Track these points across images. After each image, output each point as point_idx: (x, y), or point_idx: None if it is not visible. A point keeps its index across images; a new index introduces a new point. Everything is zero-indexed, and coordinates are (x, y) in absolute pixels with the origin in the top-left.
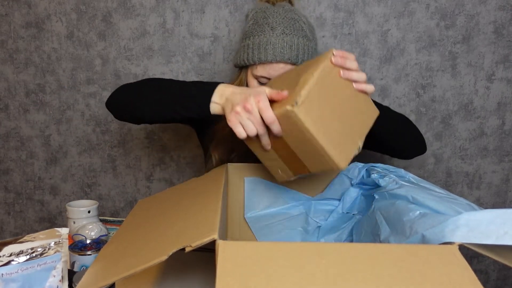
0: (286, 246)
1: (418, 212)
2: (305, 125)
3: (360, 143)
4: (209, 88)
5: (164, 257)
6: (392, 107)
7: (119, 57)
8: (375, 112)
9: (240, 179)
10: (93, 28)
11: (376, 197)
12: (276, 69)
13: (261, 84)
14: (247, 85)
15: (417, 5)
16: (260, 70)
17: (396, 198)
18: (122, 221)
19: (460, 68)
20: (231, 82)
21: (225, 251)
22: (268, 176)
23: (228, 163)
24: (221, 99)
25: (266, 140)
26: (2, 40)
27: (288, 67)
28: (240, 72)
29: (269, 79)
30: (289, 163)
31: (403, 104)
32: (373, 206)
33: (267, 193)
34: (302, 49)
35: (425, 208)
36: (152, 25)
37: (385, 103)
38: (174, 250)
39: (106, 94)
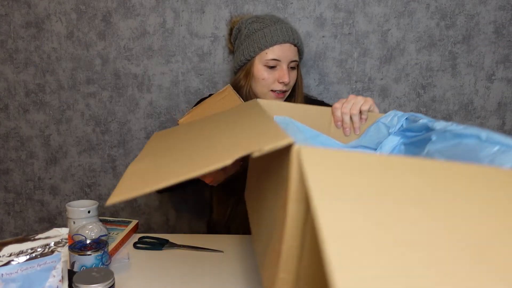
0: (376, 158)
1: (496, 147)
2: None
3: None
4: None
5: (229, 161)
6: (392, 107)
7: (119, 57)
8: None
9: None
10: (93, 28)
11: (434, 138)
12: (285, 51)
13: (271, 68)
14: (252, 76)
15: (417, 5)
16: (271, 53)
17: (462, 137)
18: (122, 221)
19: (460, 68)
20: (231, 83)
21: (310, 158)
22: (298, 117)
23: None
24: None
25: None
26: (2, 40)
27: (292, 48)
28: (240, 72)
29: (279, 61)
30: None
31: (403, 104)
32: (426, 150)
33: (297, 135)
34: (298, 35)
35: (503, 146)
36: (152, 25)
37: (385, 103)
38: (242, 155)
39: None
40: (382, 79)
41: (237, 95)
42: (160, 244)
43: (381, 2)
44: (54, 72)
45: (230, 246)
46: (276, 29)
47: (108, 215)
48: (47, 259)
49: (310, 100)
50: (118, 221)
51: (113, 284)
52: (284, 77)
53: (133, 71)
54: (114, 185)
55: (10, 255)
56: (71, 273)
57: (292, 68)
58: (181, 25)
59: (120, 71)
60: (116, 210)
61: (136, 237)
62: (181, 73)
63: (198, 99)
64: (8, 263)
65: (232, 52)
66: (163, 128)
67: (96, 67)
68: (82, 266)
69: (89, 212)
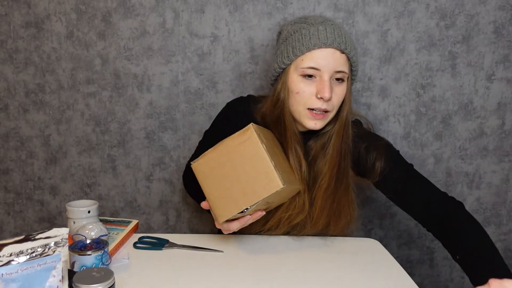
0: None
1: None
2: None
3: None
4: None
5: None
6: (392, 107)
7: (119, 57)
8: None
9: None
10: (93, 28)
11: None
12: (325, 56)
13: (308, 77)
14: (288, 91)
15: (417, 5)
16: (308, 61)
17: None
18: (122, 221)
19: (460, 68)
20: (268, 100)
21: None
22: None
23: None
24: None
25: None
26: (2, 40)
27: (337, 54)
28: (276, 83)
29: (318, 70)
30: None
31: (403, 104)
32: None
33: None
34: (350, 40)
35: None
36: (151, 25)
37: (385, 103)
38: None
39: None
40: (382, 79)
41: (260, 140)
42: (160, 244)
43: (381, 2)
44: (54, 72)
45: (230, 246)
46: (317, 30)
47: (108, 215)
48: (47, 259)
49: (362, 136)
50: (118, 221)
51: (113, 284)
52: (324, 90)
53: (133, 71)
54: (114, 185)
55: (10, 255)
56: (71, 273)
57: (338, 80)
58: (181, 25)
59: (120, 71)
60: (116, 210)
61: (136, 237)
62: (181, 73)
63: (198, 97)
64: (8, 263)
65: None
66: (163, 128)
67: (96, 67)
68: (82, 266)
69: (89, 212)
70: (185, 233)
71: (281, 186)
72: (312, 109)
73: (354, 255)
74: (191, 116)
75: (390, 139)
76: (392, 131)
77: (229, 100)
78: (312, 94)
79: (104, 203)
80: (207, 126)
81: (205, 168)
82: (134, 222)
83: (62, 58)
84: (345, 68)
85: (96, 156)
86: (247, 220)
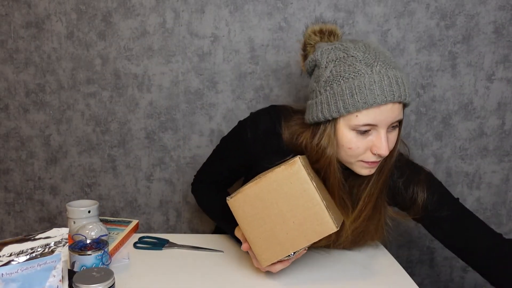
0: None
1: None
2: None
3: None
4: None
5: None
6: None
7: (119, 57)
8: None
9: None
10: (93, 28)
11: None
12: (384, 112)
13: (362, 134)
14: (336, 143)
15: (417, 5)
16: (364, 118)
17: None
18: (122, 221)
19: (460, 68)
20: (302, 129)
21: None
22: None
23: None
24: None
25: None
26: (2, 40)
27: (396, 107)
28: (318, 129)
29: (374, 125)
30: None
31: None
32: None
33: None
34: (407, 83)
35: None
36: (152, 25)
37: None
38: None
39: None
40: None
41: (309, 176)
42: (160, 244)
43: (381, 2)
44: (54, 72)
45: (230, 246)
46: (373, 81)
47: (108, 215)
48: (47, 259)
49: (401, 167)
50: (118, 221)
51: (113, 284)
52: (381, 147)
53: (133, 71)
54: (114, 185)
55: (10, 255)
56: (71, 273)
57: (393, 127)
58: (181, 25)
59: (120, 71)
60: (116, 210)
61: (136, 237)
62: (181, 73)
63: (198, 97)
64: (8, 263)
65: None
66: (163, 128)
67: (96, 67)
68: (82, 266)
69: (89, 212)
70: (185, 233)
71: (335, 229)
72: (366, 161)
73: (354, 255)
74: (191, 116)
75: None
76: None
77: (229, 100)
78: (367, 149)
79: (104, 203)
80: (207, 126)
81: (244, 204)
82: (134, 222)
83: (63, 58)
84: (401, 116)
85: (96, 156)
86: (291, 261)
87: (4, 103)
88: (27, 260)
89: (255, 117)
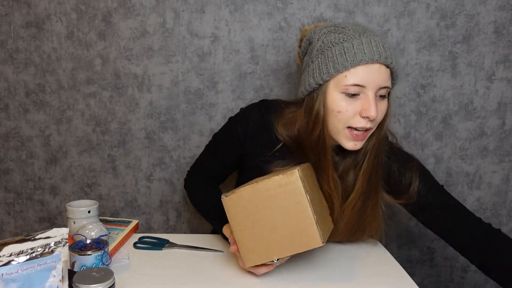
0: None
1: None
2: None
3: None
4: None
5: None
6: (392, 107)
7: (119, 57)
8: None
9: None
10: (93, 28)
11: None
12: (372, 73)
13: (351, 97)
14: (327, 109)
15: (417, 5)
16: (352, 78)
17: None
18: (122, 221)
19: (460, 68)
20: (297, 114)
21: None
22: None
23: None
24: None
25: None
26: (2, 40)
27: (383, 69)
28: (311, 99)
29: (363, 87)
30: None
31: (403, 104)
32: None
33: None
34: (394, 53)
35: None
36: (152, 25)
37: None
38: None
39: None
40: None
41: (305, 189)
42: (160, 244)
43: (381, 2)
44: (54, 72)
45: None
46: (361, 43)
47: (108, 215)
48: (47, 259)
49: (394, 153)
50: (118, 221)
51: (113, 284)
52: (370, 109)
53: (133, 71)
54: (114, 185)
55: (10, 255)
56: (71, 273)
57: (382, 97)
58: (181, 25)
59: (120, 71)
60: (116, 210)
61: (136, 237)
62: (181, 73)
63: (198, 97)
64: (8, 263)
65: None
66: (163, 128)
67: (96, 67)
68: (82, 266)
69: (89, 212)
70: (185, 233)
71: (321, 244)
72: (352, 128)
73: (354, 255)
74: (191, 116)
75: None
76: (392, 131)
77: (229, 100)
78: (356, 113)
79: (104, 203)
80: (207, 126)
81: (237, 205)
82: (134, 222)
83: (63, 58)
84: (389, 83)
85: (96, 156)
86: (275, 266)
87: (4, 103)
88: (27, 260)
89: (245, 112)
